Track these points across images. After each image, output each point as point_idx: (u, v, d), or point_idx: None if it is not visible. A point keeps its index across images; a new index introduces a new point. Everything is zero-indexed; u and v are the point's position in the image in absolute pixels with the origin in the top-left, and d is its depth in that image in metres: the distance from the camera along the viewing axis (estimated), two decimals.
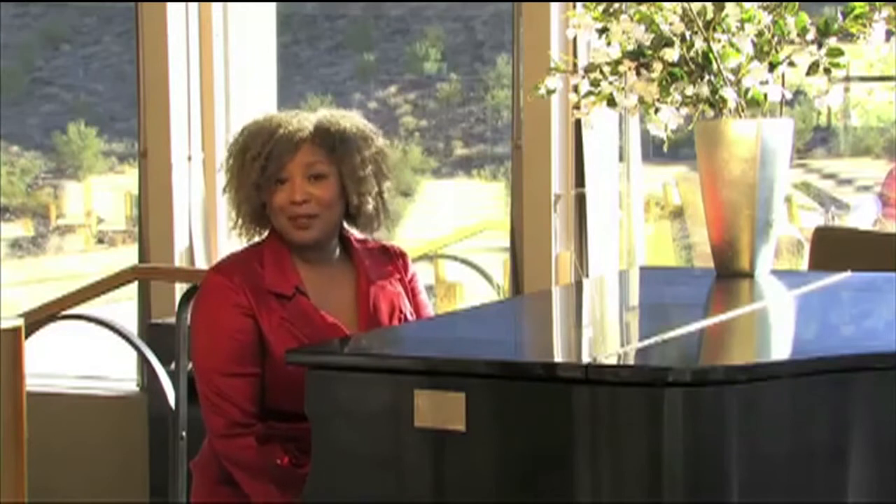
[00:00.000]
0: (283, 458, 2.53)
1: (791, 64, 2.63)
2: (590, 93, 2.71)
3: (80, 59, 16.75)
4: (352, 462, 1.97)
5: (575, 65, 2.77)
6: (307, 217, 2.60)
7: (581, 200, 4.13)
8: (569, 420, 1.81)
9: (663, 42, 2.61)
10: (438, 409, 1.88)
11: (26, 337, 2.71)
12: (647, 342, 2.06)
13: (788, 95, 2.67)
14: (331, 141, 2.61)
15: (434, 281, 8.90)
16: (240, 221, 2.68)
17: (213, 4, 4.58)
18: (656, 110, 2.67)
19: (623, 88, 2.67)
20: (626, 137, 4.25)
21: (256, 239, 2.70)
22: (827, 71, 2.59)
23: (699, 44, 2.63)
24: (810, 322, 2.44)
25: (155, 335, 4.22)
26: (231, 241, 2.75)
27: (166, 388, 3.69)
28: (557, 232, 4.15)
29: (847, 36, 2.60)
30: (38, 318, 3.83)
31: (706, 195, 2.73)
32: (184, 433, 3.30)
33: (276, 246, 2.64)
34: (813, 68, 2.60)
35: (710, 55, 2.62)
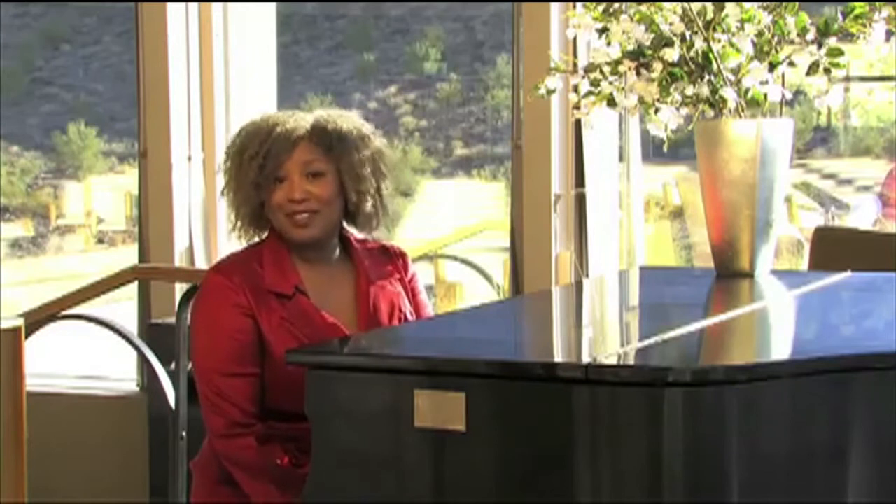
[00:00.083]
0: (283, 458, 2.53)
1: (791, 64, 2.63)
2: (590, 93, 2.71)
3: (80, 59, 16.75)
4: (352, 462, 1.97)
5: (575, 65, 2.77)
6: (306, 215, 2.60)
7: (581, 200, 4.13)
8: (569, 420, 1.81)
9: (663, 42, 2.61)
10: (438, 409, 1.88)
11: (26, 337, 2.71)
12: (647, 342, 2.06)
13: (788, 95, 2.67)
14: (328, 139, 2.62)
15: (434, 281, 8.90)
16: (239, 223, 2.68)
17: (213, 4, 4.58)
18: (656, 110, 2.67)
19: (623, 88, 2.67)
20: (626, 137, 4.25)
21: (256, 240, 2.70)
22: (827, 71, 2.59)
23: (699, 44, 2.63)
24: (810, 322, 2.44)
25: (155, 335, 4.22)
26: (231, 241, 2.75)
27: (166, 388, 3.69)
28: (557, 232, 4.15)
29: (847, 36, 2.60)
30: (38, 318, 3.83)
31: (706, 195, 2.73)
32: (184, 433, 3.30)
33: (276, 246, 2.64)
34: (813, 68, 2.60)
35: (710, 55, 2.62)
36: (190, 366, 2.71)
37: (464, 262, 8.09)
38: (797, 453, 1.87)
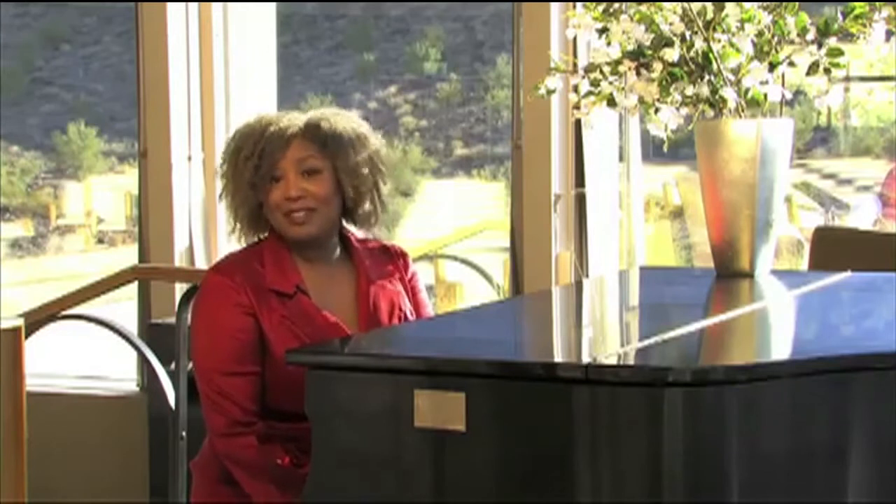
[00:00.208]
0: (283, 458, 2.53)
1: (791, 64, 2.63)
2: (590, 93, 2.70)
3: (80, 59, 16.76)
4: (352, 462, 1.97)
5: (575, 65, 2.77)
6: (303, 212, 2.60)
7: (581, 200, 4.13)
8: (569, 420, 1.81)
9: (663, 42, 2.61)
10: (438, 409, 1.88)
11: (26, 337, 2.71)
12: (647, 342, 2.06)
13: (788, 95, 2.67)
14: (322, 136, 2.61)
15: (434, 281, 8.90)
16: (238, 226, 2.69)
17: (213, 4, 4.58)
18: (656, 110, 2.67)
19: (623, 88, 2.67)
20: (626, 137, 4.25)
21: (256, 238, 2.70)
22: (827, 71, 2.59)
23: (699, 44, 2.63)
24: (810, 322, 2.44)
25: (155, 335, 4.22)
26: (231, 241, 2.75)
27: (166, 388, 3.69)
28: (557, 232, 4.15)
29: (847, 36, 2.60)
30: (38, 318, 3.83)
31: (706, 195, 2.72)
32: (184, 433, 3.30)
33: (276, 245, 2.64)
34: (813, 68, 2.60)
35: (710, 55, 2.62)
36: (190, 366, 2.70)
37: (464, 262, 8.09)
38: (797, 453, 1.87)
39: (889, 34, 2.60)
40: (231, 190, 2.65)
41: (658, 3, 2.63)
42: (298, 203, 2.59)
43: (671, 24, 2.62)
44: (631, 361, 1.97)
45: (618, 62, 2.66)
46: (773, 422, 1.85)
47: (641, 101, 2.66)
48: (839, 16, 2.60)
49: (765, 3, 2.63)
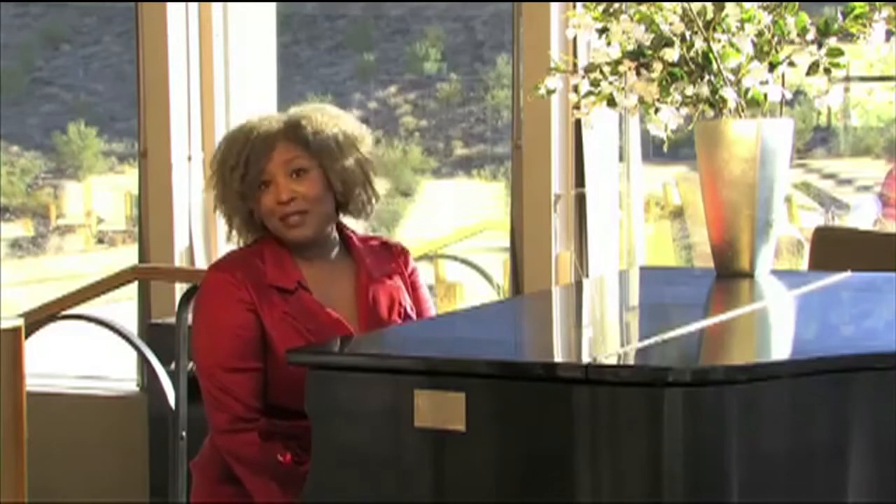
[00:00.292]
0: (284, 456, 2.53)
1: (791, 64, 2.63)
2: (590, 93, 2.70)
3: (80, 59, 16.77)
4: (352, 462, 1.97)
5: (575, 65, 2.77)
6: (297, 214, 2.60)
7: (581, 200, 4.13)
8: (569, 420, 1.81)
9: (663, 42, 2.61)
10: (438, 409, 1.88)
11: (26, 337, 2.71)
12: (647, 342, 2.06)
13: (788, 95, 2.67)
14: (305, 135, 2.61)
15: (434, 281, 8.90)
16: (234, 233, 2.69)
17: (213, 4, 4.58)
18: (656, 110, 2.67)
19: (623, 88, 2.67)
20: (626, 137, 4.25)
21: (255, 237, 2.70)
22: (827, 71, 2.59)
23: (699, 44, 2.62)
24: (810, 322, 2.44)
25: (155, 335, 4.22)
26: (231, 241, 2.75)
27: (166, 388, 3.69)
28: (557, 232, 4.15)
29: (847, 36, 2.60)
30: (38, 318, 3.83)
31: (706, 195, 2.73)
32: (184, 433, 3.30)
33: (275, 243, 2.64)
34: (813, 68, 2.60)
35: (710, 55, 2.62)
36: (190, 365, 2.70)
37: (464, 262, 8.08)
38: (797, 453, 1.87)
39: (889, 34, 2.60)
40: (221, 199, 2.65)
41: (658, 3, 2.63)
42: (291, 206, 2.59)
43: (671, 24, 2.62)
44: (631, 361, 1.97)
45: (618, 62, 2.66)
46: (773, 422, 1.85)
47: (641, 101, 2.66)
48: (839, 16, 2.60)
49: (765, 3, 2.63)
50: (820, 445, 1.89)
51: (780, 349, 2.21)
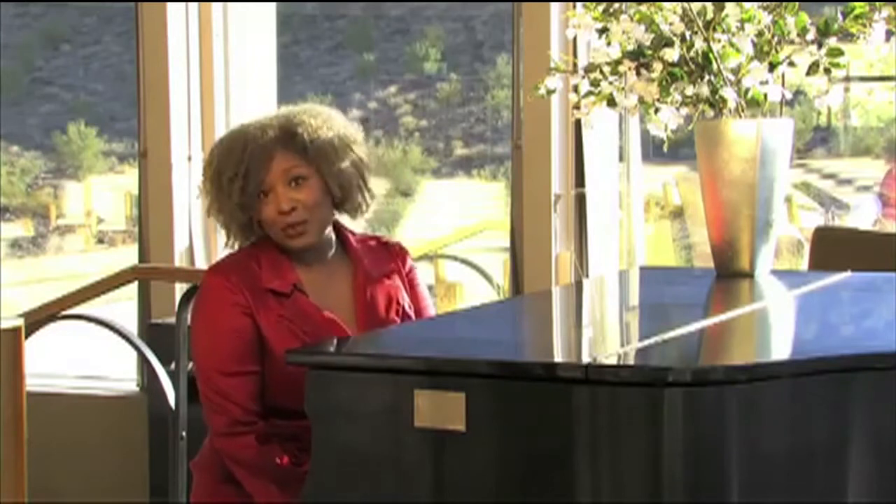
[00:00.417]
0: (282, 458, 2.53)
1: (791, 64, 2.63)
2: (590, 93, 2.70)
3: (80, 59, 16.77)
4: (352, 462, 1.97)
5: (575, 65, 2.77)
6: (299, 223, 2.59)
7: (581, 200, 4.13)
8: (569, 420, 1.81)
9: (663, 42, 2.61)
10: (438, 409, 1.88)
11: (26, 337, 2.71)
12: (647, 342, 2.06)
13: (788, 95, 2.67)
14: (302, 143, 2.60)
15: (434, 281, 8.90)
16: (231, 239, 2.69)
17: (213, 4, 4.58)
18: (656, 110, 2.67)
19: (623, 88, 2.67)
20: (626, 137, 4.25)
21: (254, 239, 2.70)
22: (827, 71, 2.59)
23: (699, 44, 2.62)
24: (810, 322, 2.44)
25: (155, 335, 4.22)
26: (230, 246, 2.75)
27: (166, 388, 3.69)
28: (557, 232, 4.15)
29: (847, 36, 2.60)
30: (38, 318, 3.83)
31: (706, 195, 2.73)
32: (184, 433, 3.30)
33: (272, 246, 2.64)
34: (813, 68, 2.60)
35: (710, 55, 2.62)
36: (190, 365, 2.71)
37: (464, 262, 8.09)
38: (797, 453, 1.87)
39: (889, 34, 2.60)
40: (218, 209, 2.64)
41: (658, 3, 2.63)
42: (292, 216, 2.59)
43: (671, 24, 2.62)
44: (631, 361, 1.97)
45: (618, 62, 2.66)
46: (773, 422, 1.85)
47: (641, 101, 2.66)
48: (839, 16, 2.60)
49: (765, 3, 2.63)
50: (820, 445, 1.89)
51: (780, 349, 2.21)
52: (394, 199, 14.24)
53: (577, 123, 4.00)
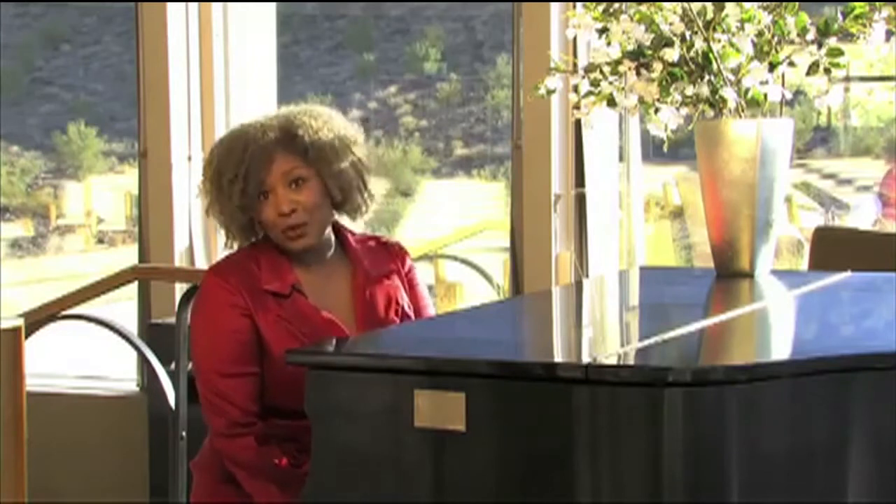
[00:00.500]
0: (281, 459, 2.53)
1: (791, 64, 2.63)
2: (590, 93, 2.70)
3: (80, 59, 16.77)
4: (352, 462, 1.97)
5: (575, 65, 2.77)
6: (299, 226, 2.59)
7: (581, 200, 4.13)
8: (569, 420, 1.81)
9: (663, 42, 2.61)
10: (438, 409, 1.88)
11: (26, 337, 2.71)
12: (647, 342, 2.06)
13: (788, 95, 2.67)
14: (303, 145, 2.60)
15: (434, 281, 8.91)
16: (230, 240, 2.69)
17: (213, 4, 4.58)
18: (656, 110, 2.67)
19: (623, 88, 2.67)
20: (626, 137, 4.25)
21: (253, 239, 2.70)
22: (827, 71, 2.59)
23: (699, 44, 2.63)
24: (810, 322, 2.44)
25: (155, 335, 4.22)
26: (229, 247, 2.75)
27: (166, 388, 3.69)
28: (557, 232, 4.15)
29: (847, 36, 2.60)
30: (38, 318, 3.83)
31: (706, 195, 2.73)
32: (184, 433, 3.30)
33: (272, 247, 2.64)
34: (813, 68, 2.60)
35: (710, 55, 2.62)
36: (190, 366, 2.71)
37: (464, 262, 8.09)
38: (797, 453, 1.87)
39: (889, 34, 2.60)
40: (218, 209, 2.64)
41: (658, 3, 2.63)
42: (292, 218, 2.59)
43: (671, 24, 2.62)
44: (631, 361, 1.97)
45: (618, 62, 2.66)
46: (773, 422, 1.85)
47: (641, 101, 2.66)
48: (839, 16, 2.60)
49: (765, 3, 2.63)
50: (820, 445, 1.89)
51: (780, 349, 2.21)
52: (394, 199, 14.24)
53: (577, 123, 4.00)
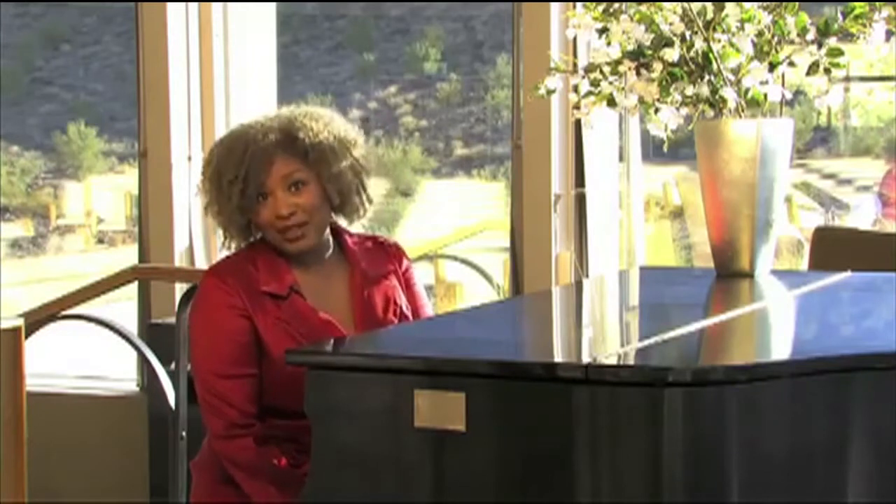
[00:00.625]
0: (280, 460, 2.53)
1: (791, 64, 2.63)
2: (590, 93, 2.70)
3: (80, 59, 16.76)
4: (351, 462, 1.97)
5: (575, 65, 2.77)
6: (297, 227, 2.59)
7: (581, 200, 4.13)
8: (569, 420, 1.81)
9: (663, 42, 2.61)
10: (438, 409, 1.88)
11: (26, 337, 2.71)
12: (647, 342, 2.06)
13: (788, 95, 2.67)
14: (303, 148, 2.60)
15: (434, 281, 8.91)
16: (228, 240, 2.69)
17: (213, 4, 4.58)
18: (656, 110, 2.67)
19: (623, 88, 2.67)
20: (626, 137, 4.25)
21: (251, 240, 2.70)
22: (827, 71, 2.59)
23: (699, 44, 2.63)
24: (810, 322, 2.44)
25: (155, 335, 4.22)
26: (226, 248, 2.75)
27: (166, 388, 3.69)
28: (557, 232, 4.15)
29: (847, 36, 2.60)
30: (38, 318, 3.83)
31: (706, 195, 2.73)
32: (184, 433, 3.30)
33: (270, 248, 2.64)
34: (813, 68, 2.60)
35: (710, 55, 2.62)
36: (190, 366, 2.71)
37: (464, 262, 8.09)
38: (797, 453, 1.87)
39: (889, 34, 2.60)
40: (216, 210, 2.64)
41: (658, 3, 2.63)
42: (291, 220, 2.59)
43: (671, 24, 2.62)
44: (631, 361, 1.97)
45: (618, 62, 2.66)
46: (772, 422, 1.85)
47: (641, 101, 2.66)
48: (839, 16, 2.60)
49: (765, 3, 2.63)
50: (820, 445, 1.89)
51: (780, 349, 2.21)
52: (394, 199, 14.24)
53: (577, 123, 4.00)
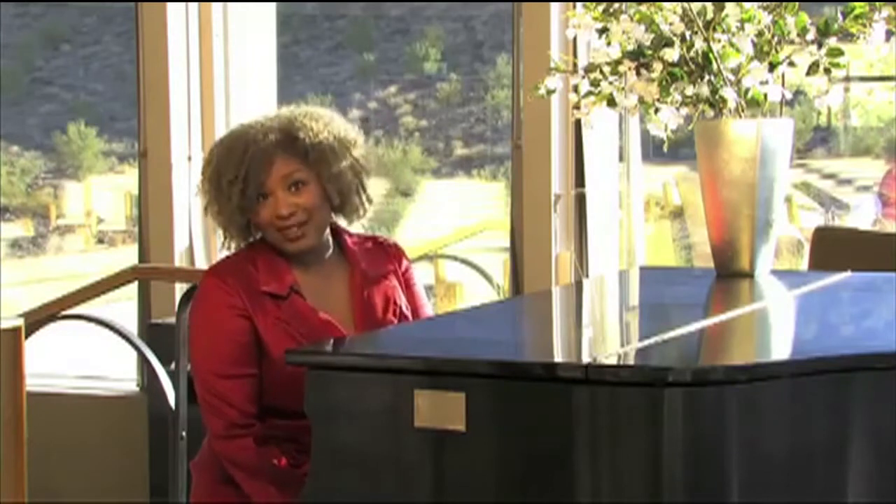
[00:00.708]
0: (280, 460, 2.53)
1: (791, 64, 2.63)
2: (590, 93, 2.70)
3: (80, 59, 16.76)
4: (352, 462, 1.97)
5: (575, 65, 2.77)
6: (297, 227, 2.59)
7: (581, 200, 4.13)
8: (569, 420, 1.81)
9: (663, 42, 2.61)
10: (438, 409, 1.88)
11: (26, 337, 2.71)
12: (647, 342, 2.06)
13: (788, 95, 2.67)
14: (303, 148, 2.60)
15: (434, 281, 8.90)
16: (228, 240, 2.69)
17: (213, 4, 4.58)
18: (656, 110, 2.67)
19: (623, 88, 2.67)
20: (626, 137, 4.25)
21: (251, 239, 2.69)
22: (827, 71, 2.59)
23: (699, 44, 2.63)
24: (810, 322, 2.44)
25: (155, 335, 4.22)
26: (226, 248, 2.74)
27: (166, 388, 3.69)
28: (557, 232, 4.15)
29: (847, 36, 2.60)
30: (38, 318, 3.83)
31: (706, 195, 2.73)
32: (184, 433, 3.30)
33: (270, 248, 2.64)
34: (813, 68, 2.60)
35: (710, 55, 2.62)
36: (190, 366, 2.71)
37: (464, 262, 8.09)
38: (797, 453, 1.87)
39: (889, 34, 2.60)
40: (216, 210, 2.64)
41: (658, 3, 2.63)
42: (291, 220, 2.59)
43: (671, 24, 2.62)
44: (631, 361, 1.97)
45: (618, 62, 2.66)
46: (772, 422, 1.85)
47: (641, 101, 2.66)
48: (839, 16, 2.60)
49: (765, 3, 2.63)
50: (820, 445, 1.89)
51: (780, 349, 2.21)
52: (394, 199, 14.24)
53: (577, 123, 4.00)
